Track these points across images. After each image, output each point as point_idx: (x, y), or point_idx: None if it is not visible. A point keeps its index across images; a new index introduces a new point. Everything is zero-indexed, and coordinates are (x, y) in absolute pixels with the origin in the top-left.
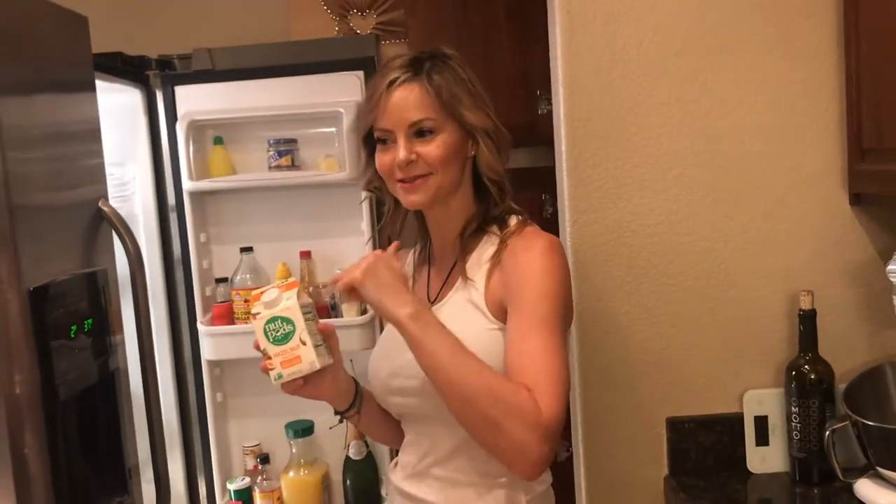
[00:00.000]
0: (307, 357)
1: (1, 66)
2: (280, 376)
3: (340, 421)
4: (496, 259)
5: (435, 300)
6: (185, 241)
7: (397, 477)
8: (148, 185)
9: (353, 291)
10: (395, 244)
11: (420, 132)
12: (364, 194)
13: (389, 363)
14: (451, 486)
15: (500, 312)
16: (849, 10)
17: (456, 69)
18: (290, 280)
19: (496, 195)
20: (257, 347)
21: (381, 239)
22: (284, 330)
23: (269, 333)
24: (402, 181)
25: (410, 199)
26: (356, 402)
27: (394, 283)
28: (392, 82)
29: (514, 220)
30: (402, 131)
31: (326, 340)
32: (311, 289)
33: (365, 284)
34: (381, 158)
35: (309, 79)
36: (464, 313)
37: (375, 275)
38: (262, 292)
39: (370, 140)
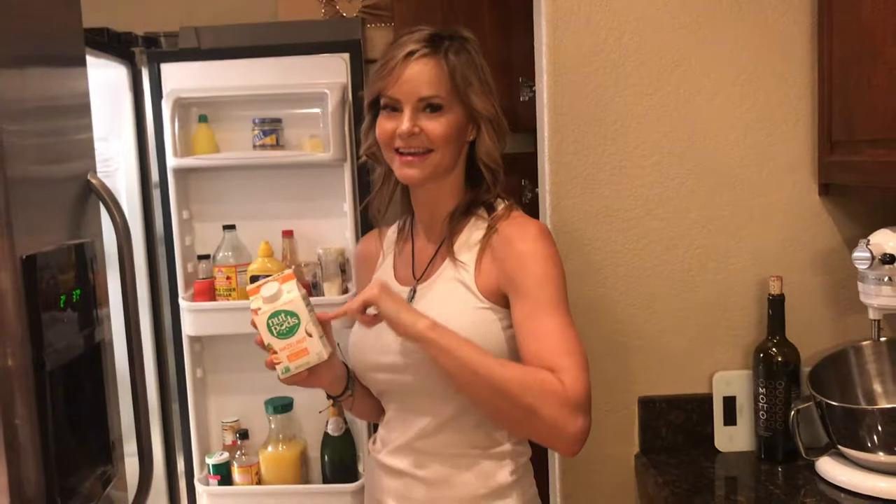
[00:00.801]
0: (314, 348)
1: None
2: (287, 370)
3: (333, 404)
4: (486, 242)
5: (420, 278)
6: (168, 218)
7: (380, 453)
8: (131, 162)
9: (364, 311)
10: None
11: (428, 107)
12: (348, 174)
13: (376, 340)
14: (437, 459)
15: (493, 295)
16: (822, 11)
17: (472, 54)
18: (287, 272)
19: (490, 181)
20: (260, 343)
21: (369, 209)
22: (289, 323)
23: (272, 328)
24: (399, 153)
25: (406, 172)
26: (349, 385)
27: (404, 301)
28: (410, 53)
29: (501, 205)
30: (411, 103)
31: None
32: (293, 267)
33: (382, 299)
34: (384, 125)
35: (295, 60)
36: (453, 291)
37: (389, 294)
38: (258, 286)
39: (375, 106)
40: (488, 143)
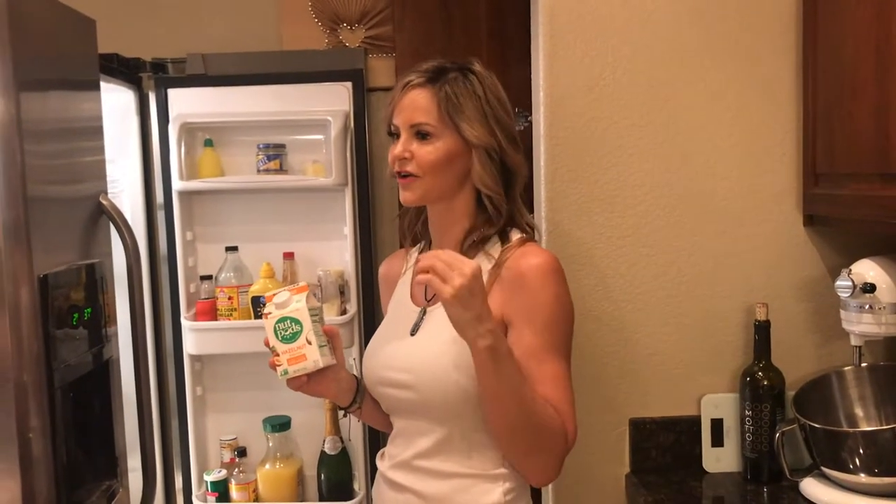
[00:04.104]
0: (311, 356)
1: (23, 63)
2: (286, 372)
3: (345, 415)
4: (496, 271)
5: (431, 300)
6: (172, 239)
7: (384, 465)
8: (136, 184)
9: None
10: None
11: (420, 134)
12: (349, 198)
13: (383, 354)
14: (435, 477)
15: (496, 322)
16: (807, 50)
17: (474, 84)
18: (301, 284)
19: (490, 209)
20: (267, 344)
21: (399, 224)
22: (293, 330)
23: (278, 332)
24: (398, 175)
25: (402, 194)
26: (357, 398)
27: (485, 304)
28: (407, 84)
29: (515, 235)
30: (405, 129)
31: (330, 342)
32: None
33: (474, 288)
34: (391, 151)
35: (299, 88)
36: None
37: (474, 290)
38: (274, 294)
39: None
40: (480, 171)
